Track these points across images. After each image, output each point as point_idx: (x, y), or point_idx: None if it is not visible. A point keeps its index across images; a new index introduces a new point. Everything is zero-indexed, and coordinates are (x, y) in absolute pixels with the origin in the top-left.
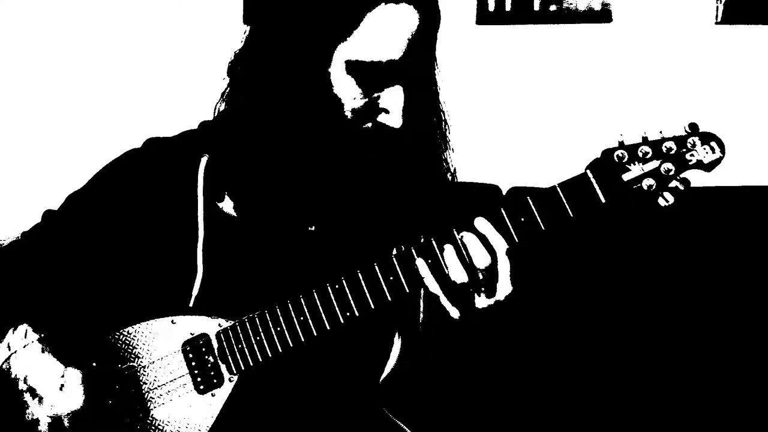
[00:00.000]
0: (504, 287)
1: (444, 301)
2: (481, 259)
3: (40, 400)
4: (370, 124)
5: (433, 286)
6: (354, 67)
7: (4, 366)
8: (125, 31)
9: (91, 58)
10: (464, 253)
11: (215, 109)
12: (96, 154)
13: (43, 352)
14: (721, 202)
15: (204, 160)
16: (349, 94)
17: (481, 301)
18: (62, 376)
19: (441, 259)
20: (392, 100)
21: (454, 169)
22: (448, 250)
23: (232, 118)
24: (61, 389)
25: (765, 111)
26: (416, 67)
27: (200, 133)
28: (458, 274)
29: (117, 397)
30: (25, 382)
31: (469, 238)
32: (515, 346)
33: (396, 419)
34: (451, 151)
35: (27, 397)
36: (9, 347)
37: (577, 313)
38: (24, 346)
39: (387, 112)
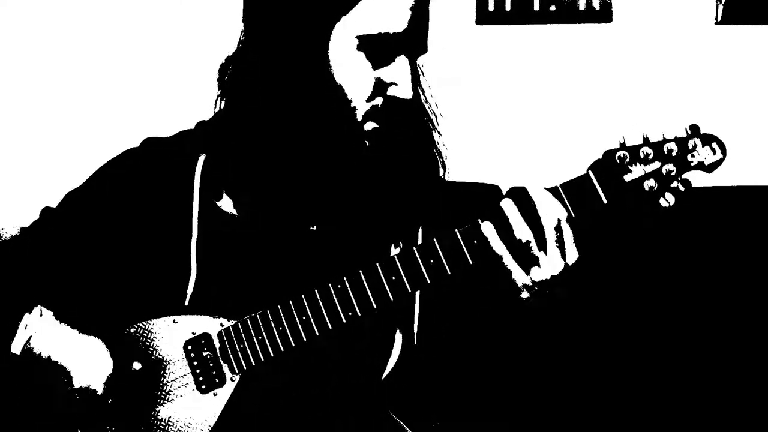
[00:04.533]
0: (571, 252)
1: (508, 260)
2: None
3: (69, 377)
4: (381, 100)
5: (499, 248)
6: (365, 41)
7: (26, 348)
8: (124, 31)
9: (89, 58)
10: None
11: (215, 104)
12: (94, 153)
13: (60, 324)
14: (721, 202)
15: (201, 159)
16: (359, 70)
17: (549, 269)
18: (85, 345)
19: (507, 219)
20: (400, 72)
21: (446, 156)
22: (510, 208)
23: (231, 117)
24: (85, 360)
25: (765, 111)
26: (417, 38)
27: (197, 133)
28: (524, 233)
29: (118, 396)
30: (50, 362)
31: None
32: (516, 346)
33: (398, 418)
34: (438, 134)
35: (56, 377)
36: (26, 327)
37: (578, 313)
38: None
39: (396, 84)
